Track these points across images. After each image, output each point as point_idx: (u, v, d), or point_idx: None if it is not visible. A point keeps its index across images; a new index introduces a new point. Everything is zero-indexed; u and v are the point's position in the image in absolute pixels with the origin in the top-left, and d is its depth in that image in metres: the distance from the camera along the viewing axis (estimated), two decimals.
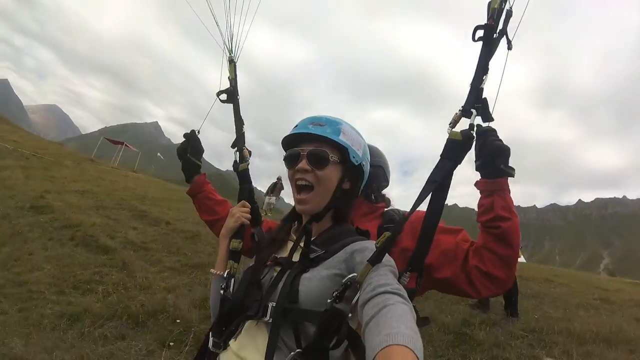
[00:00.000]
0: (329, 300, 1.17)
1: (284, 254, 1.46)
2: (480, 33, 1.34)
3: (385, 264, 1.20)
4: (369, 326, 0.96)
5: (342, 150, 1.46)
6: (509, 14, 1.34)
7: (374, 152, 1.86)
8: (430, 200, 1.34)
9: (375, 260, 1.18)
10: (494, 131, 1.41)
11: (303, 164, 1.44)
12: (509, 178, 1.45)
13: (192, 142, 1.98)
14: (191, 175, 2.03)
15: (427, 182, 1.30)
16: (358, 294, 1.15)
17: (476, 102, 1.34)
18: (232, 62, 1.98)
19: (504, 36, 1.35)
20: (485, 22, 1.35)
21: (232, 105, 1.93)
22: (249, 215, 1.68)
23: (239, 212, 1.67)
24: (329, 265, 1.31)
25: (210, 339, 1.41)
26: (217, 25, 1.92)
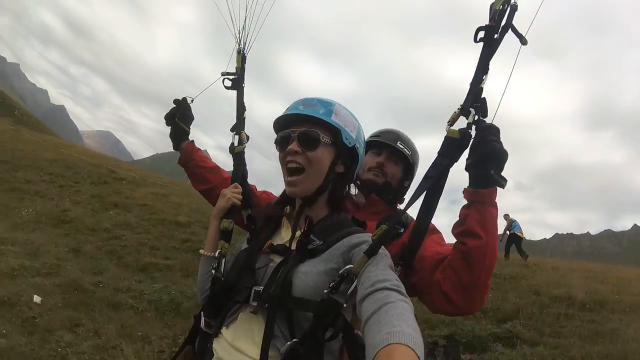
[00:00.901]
0: (325, 291, 1.17)
1: (278, 239, 1.45)
2: (482, 34, 1.34)
3: (383, 257, 1.20)
4: (369, 323, 0.96)
5: (335, 132, 1.43)
6: (514, 9, 1.33)
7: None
8: (425, 196, 1.34)
9: (372, 252, 1.18)
10: (496, 130, 1.32)
11: (293, 145, 1.41)
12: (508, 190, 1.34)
13: (181, 108, 2.00)
14: (179, 143, 2.03)
15: (423, 177, 1.33)
16: (353, 286, 1.17)
17: (475, 102, 1.33)
18: (239, 53, 2.00)
19: (507, 33, 1.34)
20: (487, 23, 1.35)
21: (236, 92, 1.97)
22: (240, 197, 1.68)
23: (230, 193, 1.66)
24: (326, 258, 1.30)
25: (202, 319, 1.44)
26: (231, 16, 1.97)
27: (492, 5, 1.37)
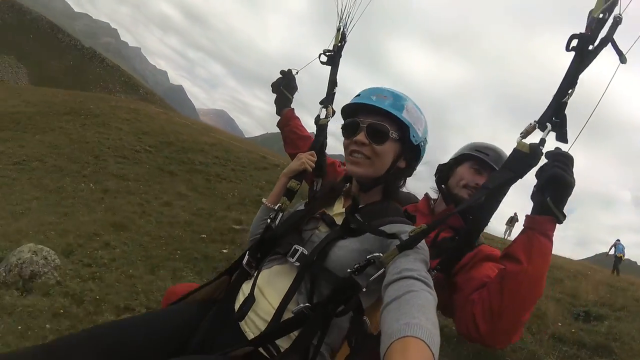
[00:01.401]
0: (348, 270, 1.21)
1: (331, 210, 1.53)
2: (574, 42, 1.22)
3: (418, 251, 1.18)
4: (389, 308, 0.96)
5: (403, 128, 1.43)
6: (617, 22, 1.19)
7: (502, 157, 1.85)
8: (479, 206, 1.30)
9: (404, 247, 1.17)
10: (566, 158, 1.21)
11: (361, 136, 1.42)
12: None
13: (286, 78, 2.16)
14: (281, 108, 2.21)
15: (481, 186, 1.30)
16: (378, 273, 1.17)
17: (555, 116, 1.21)
18: (339, 30, 2.04)
19: (607, 47, 1.20)
20: (583, 31, 1.21)
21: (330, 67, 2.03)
22: (313, 164, 1.73)
23: (305, 158, 1.72)
24: (364, 239, 1.34)
25: (246, 257, 1.52)
26: None
27: (590, 13, 1.23)
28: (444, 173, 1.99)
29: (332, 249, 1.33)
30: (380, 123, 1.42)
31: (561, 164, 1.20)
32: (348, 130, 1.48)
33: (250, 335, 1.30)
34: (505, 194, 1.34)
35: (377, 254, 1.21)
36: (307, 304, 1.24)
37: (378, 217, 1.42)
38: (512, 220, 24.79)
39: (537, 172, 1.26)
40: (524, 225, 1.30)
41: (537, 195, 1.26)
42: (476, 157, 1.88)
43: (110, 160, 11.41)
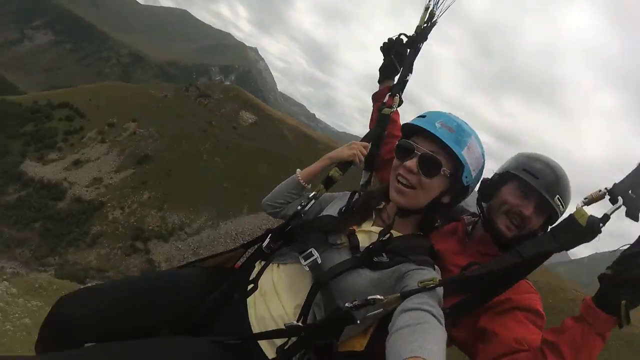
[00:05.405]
0: (347, 305, 1.19)
1: (360, 227, 1.48)
2: None
3: (435, 292, 1.19)
4: (402, 332, 1.00)
5: (458, 166, 1.38)
6: None
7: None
8: (504, 272, 1.20)
9: (407, 295, 1.17)
10: None
11: (412, 163, 1.38)
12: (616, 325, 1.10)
13: (396, 45, 1.96)
14: (383, 79, 2.07)
15: (512, 250, 1.20)
16: (376, 311, 1.20)
17: (632, 189, 1.08)
18: (427, 9, 1.91)
19: None
20: None
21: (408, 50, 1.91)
22: (362, 158, 1.69)
23: (357, 149, 1.68)
24: (383, 275, 1.32)
25: (268, 239, 1.53)
26: None
27: None
28: (487, 190, 1.66)
29: (350, 274, 1.31)
30: (435, 156, 1.37)
31: None
32: (401, 152, 1.44)
33: (255, 326, 1.35)
34: (539, 265, 1.21)
35: (379, 296, 1.19)
36: (299, 324, 1.25)
37: (402, 254, 1.36)
38: None
39: (622, 258, 1.08)
40: (582, 312, 1.15)
41: (611, 287, 1.10)
42: (522, 180, 1.55)
43: None
